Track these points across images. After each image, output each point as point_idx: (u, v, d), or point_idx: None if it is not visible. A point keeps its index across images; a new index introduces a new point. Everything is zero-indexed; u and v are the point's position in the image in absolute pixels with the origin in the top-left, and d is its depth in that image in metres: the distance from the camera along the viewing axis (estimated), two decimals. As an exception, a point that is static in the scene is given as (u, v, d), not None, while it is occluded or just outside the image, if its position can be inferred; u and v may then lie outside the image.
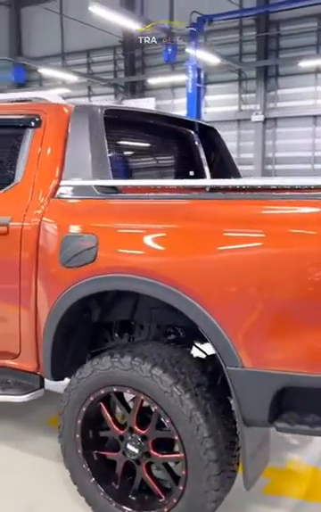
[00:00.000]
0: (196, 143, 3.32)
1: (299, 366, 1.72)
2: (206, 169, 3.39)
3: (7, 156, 2.48)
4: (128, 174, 2.98)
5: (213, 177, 3.37)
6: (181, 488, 1.94)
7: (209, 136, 3.33)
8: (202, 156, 3.37)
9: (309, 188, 2.39)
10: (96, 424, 2.17)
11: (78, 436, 2.16)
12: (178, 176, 3.32)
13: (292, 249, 1.69)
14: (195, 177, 3.36)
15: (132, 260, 2.00)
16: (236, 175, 3.40)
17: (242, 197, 2.01)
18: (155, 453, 2.02)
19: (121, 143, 2.85)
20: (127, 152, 2.96)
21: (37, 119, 2.40)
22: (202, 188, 2.83)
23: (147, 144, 3.13)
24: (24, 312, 2.35)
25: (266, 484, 2.49)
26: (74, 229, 2.14)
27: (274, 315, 1.74)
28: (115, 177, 2.33)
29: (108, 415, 2.13)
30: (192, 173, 3.35)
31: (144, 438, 2.05)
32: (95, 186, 2.17)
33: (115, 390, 2.05)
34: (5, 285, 2.38)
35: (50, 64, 17.26)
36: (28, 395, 2.44)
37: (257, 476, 1.98)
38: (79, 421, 2.15)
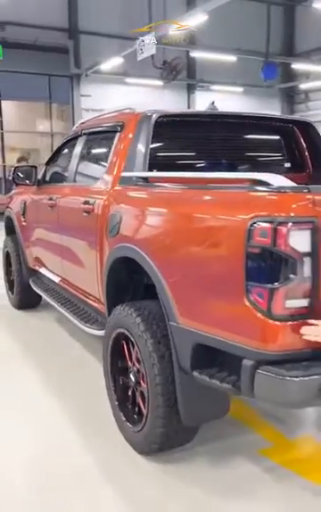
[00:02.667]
0: (295, 138, 3.41)
1: (207, 327, 1.98)
2: (309, 161, 3.46)
3: (105, 155, 3.19)
4: (216, 167, 3.33)
5: (311, 166, 3.42)
6: (146, 412, 2.39)
7: (307, 130, 3.36)
8: (305, 150, 3.44)
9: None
10: (118, 355, 2.75)
11: (108, 363, 2.79)
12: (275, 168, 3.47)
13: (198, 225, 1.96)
14: (298, 168, 3.47)
15: (130, 233, 2.50)
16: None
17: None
18: (142, 383, 2.50)
19: (202, 140, 3.23)
20: (211, 148, 3.31)
21: (121, 125, 3.03)
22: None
23: (239, 141, 3.39)
24: (98, 265, 3.04)
25: (266, 447, 2.65)
26: (113, 209, 2.74)
27: (193, 280, 2.03)
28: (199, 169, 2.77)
29: (125, 349, 2.69)
30: (288, 165, 3.46)
31: (138, 371, 2.55)
32: (135, 177, 2.71)
33: (121, 331, 2.59)
34: (91, 245, 3.11)
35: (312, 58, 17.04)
36: (102, 331, 3.16)
37: (197, 421, 2.29)
38: (109, 351, 2.77)
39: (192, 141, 3.18)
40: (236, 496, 2.26)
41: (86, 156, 3.61)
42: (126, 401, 2.71)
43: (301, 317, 1.70)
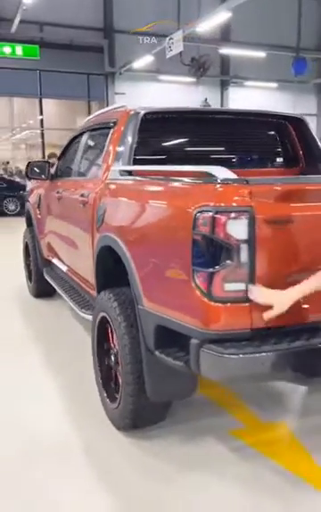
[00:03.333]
0: (289, 133, 3.47)
1: (165, 310, 2.12)
2: (301, 156, 3.51)
3: (101, 150, 3.35)
4: (209, 160, 3.44)
5: (304, 161, 3.47)
6: (120, 390, 2.54)
7: (298, 125, 3.42)
8: (298, 145, 3.50)
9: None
10: (103, 338, 2.91)
11: (95, 344, 2.96)
12: (268, 161, 3.55)
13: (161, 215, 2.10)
14: (292, 163, 3.54)
15: (110, 223, 2.65)
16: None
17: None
18: (118, 363, 2.66)
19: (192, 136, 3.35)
20: (203, 142, 3.42)
21: (115, 122, 3.19)
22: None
23: (229, 136, 3.47)
24: (92, 254, 3.21)
25: (237, 428, 2.77)
26: (101, 201, 2.90)
27: (155, 265, 2.17)
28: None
29: (109, 332, 2.85)
30: (281, 159, 3.53)
31: (116, 352, 2.70)
32: (120, 171, 2.86)
33: (103, 314, 2.76)
34: (86, 235, 3.28)
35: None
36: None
37: (163, 398, 2.43)
38: (95, 333, 2.94)
39: (180, 136, 3.30)
40: (201, 471, 2.38)
41: (87, 151, 3.79)
42: (108, 380, 2.87)
43: (239, 299, 1.81)
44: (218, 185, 1.82)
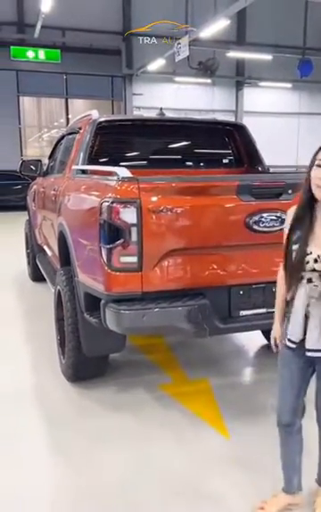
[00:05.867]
0: (233, 139, 3.96)
1: (88, 280, 2.67)
2: (245, 158, 4.00)
3: (70, 152, 3.91)
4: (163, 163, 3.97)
5: (247, 162, 3.96)
6: (67, 344, 3.10)
7: (241, 131, 3.90)
8: (241, 149, 3.99)
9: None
10: (59, 307, 3.47)
11: (55, 313, 3.53)
12: (216, 163, 4.04)
13: (82, 204, 2.65)
14: (238, 165, 4.02)
15: (62, 211, 3.21)
16: (259, 161, 3.86)
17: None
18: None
19: (147, 141, 3.87)
20: (158, 146, 3.94)
21: (80, 128, 3.74)
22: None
23: (179, 141, 3.98)
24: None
25: (166, 382, 3.30)
26: (65, 193, 3.46)
27: (83, 247, 2.72)
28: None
29: (63, 302, 3.39)
30: (226, 161, 4.02)
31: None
32: (76, 169, 3.42)
33: (58, 288, 3.32)
34: (55, 222, 3.85)
35: None
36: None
37: (96, 353, 2.97)
38: (55, 303, 3.51)
39: (134, 140, 3.84)
40: (124, 412, 2.92)
41: (64, 153, 4.36)
42: (62, 341, 3.43)
43: (132, 269, 2.35)
44: (117, 182, 2.36)
